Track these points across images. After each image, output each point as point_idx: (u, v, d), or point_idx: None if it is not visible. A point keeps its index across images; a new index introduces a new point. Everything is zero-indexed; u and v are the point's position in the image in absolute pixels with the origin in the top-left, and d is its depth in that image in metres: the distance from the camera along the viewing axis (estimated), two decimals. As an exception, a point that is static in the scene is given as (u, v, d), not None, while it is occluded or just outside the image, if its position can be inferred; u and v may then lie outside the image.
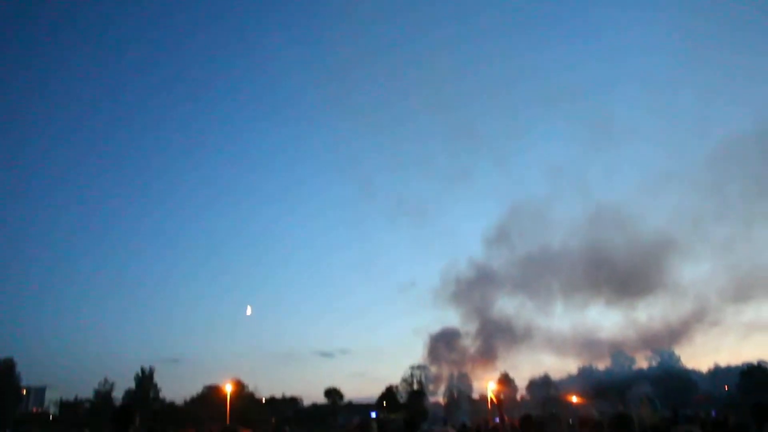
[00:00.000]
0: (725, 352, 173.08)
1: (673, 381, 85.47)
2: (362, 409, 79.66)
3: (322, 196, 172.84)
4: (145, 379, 77.21)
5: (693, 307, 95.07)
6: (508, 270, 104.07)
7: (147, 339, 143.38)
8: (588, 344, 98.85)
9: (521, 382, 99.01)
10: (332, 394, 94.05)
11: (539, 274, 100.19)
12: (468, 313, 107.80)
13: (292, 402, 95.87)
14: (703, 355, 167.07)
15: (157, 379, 78.88)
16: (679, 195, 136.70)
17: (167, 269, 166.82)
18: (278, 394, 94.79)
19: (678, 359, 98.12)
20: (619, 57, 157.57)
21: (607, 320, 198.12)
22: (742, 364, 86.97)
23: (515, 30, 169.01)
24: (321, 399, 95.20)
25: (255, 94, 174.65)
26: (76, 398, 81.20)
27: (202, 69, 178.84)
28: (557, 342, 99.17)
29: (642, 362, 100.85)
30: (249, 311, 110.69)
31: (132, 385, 76.98)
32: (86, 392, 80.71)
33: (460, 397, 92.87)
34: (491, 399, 58.87)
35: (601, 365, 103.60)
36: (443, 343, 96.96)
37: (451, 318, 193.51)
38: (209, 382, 79.93)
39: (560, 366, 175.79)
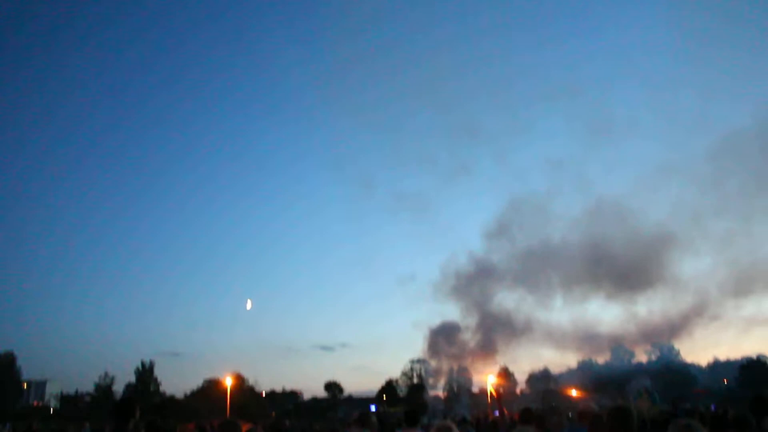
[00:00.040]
0: (725, 346, 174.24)
1: (672, 375, 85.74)
2: (362, 402, 79.66)
3: (322, 192, 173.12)
4: (146, 373, 77.25)
5: (693, 301, 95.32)
6: (508, 264, 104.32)
7: (147, 333, 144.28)
8: (587, 338, 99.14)
9: (521, 375, 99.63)
10: (332, 387, 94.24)
11: (539, 268, 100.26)
12: (468, 307, 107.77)
13: (292, 395, 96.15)
14: (703, 349, 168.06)
15: (158, 372, 78.88)
16: (679, 190, 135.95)
17: (168, 264, 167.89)
18: (278, 388, 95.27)
19: (677, 353, 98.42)
20: (619, 54, 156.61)
21: (607, 314, 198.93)
22: (742, 358, 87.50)
23: (515, 28, 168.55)
24: (321, 392, 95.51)
25: (255, 92, 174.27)
26: (76, 392, 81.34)
27: (202, 68, 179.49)
28: (557, 336, 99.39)
29: (641, 356, 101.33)
30: (249, 305, 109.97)
31: (132, 378, 77.04)
32: (87, 386, 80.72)
33: (460, 390, 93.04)
34: (491, 392, 58.91)
35: (601, 359, 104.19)
36: (443, 336, 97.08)
37: (451, 312, 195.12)
38: (209, 375, 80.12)
39: (560, 360, 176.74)
